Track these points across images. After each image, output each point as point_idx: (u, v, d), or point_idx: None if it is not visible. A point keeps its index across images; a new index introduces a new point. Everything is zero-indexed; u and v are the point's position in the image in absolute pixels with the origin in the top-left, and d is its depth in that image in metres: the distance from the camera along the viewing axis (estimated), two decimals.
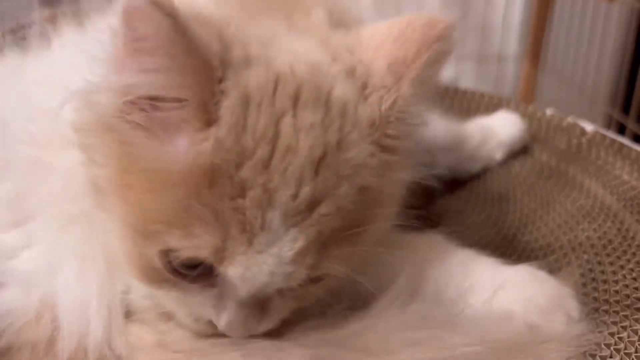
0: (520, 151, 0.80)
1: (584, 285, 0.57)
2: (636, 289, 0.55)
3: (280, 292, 0.41)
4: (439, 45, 0.40)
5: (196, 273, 0.39)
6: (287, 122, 0.37)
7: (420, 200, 0.49)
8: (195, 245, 0.37)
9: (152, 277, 0.41)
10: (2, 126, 0.48)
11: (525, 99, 1.20)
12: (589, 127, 0.81)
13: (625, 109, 1.13)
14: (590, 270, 0.59)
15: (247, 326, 0.41)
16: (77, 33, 0.53)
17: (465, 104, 0.94)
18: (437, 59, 0.41)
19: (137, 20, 0.34)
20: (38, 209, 0.46)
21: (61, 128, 0.46)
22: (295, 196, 0.36)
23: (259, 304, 0.41)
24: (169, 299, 0.43)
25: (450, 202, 0.72)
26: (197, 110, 0.36)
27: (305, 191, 0.37)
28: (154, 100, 0.37)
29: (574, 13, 1.21)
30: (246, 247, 0.37)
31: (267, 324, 0.42)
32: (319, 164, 0.37)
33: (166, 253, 0.38)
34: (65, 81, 0.48)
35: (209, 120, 0.36)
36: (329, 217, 0.37)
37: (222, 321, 0.40)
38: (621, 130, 1.12)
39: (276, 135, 0.37)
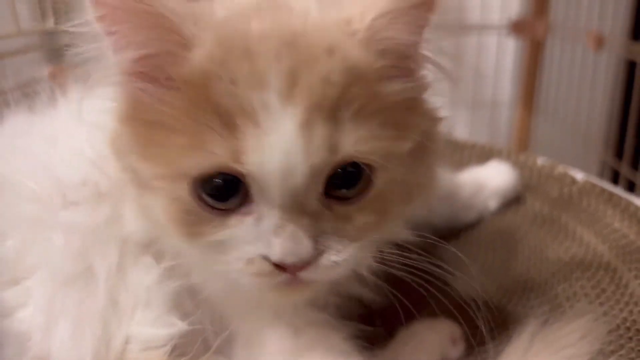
0: (513, 200, 0.81)
1: None
2: (630, 338, 0.55)
3: (326, 204, 0.40)
4: None
5: (229, 201, 0.40)
6: (255, 22, 0.40)
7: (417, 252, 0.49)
8: (210, 154, 0.38)
9: (193, 224, 0.41)
10: (8, 184, 0.50)
11: (520, 144, 1.22)
12: (579, 175, 0.83)
13: (619, 153, 1.14)
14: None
15: (298, 244, 0.39)
16: (83, 92, 0.56)
17: (457, 154, 0.96)
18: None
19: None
20: (36, 267, 0.47)
21: (62, 187, 0.49)
22: (280, 71, 0.38)
23: (305, 217, 0.39)
24: (216, 250, 0.41)
25: (446, 252, 0.73)
26: (177, 39, 0.39)
27: (285, 66, 0.38)
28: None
29: (563, 60, 1.25)
30: (253, 130, 0.37)
31: (323, 246, 0.40)
32: (291, 43, 0.39)
33: (194, 184, 0.40)
34: (69, 142, 0.51)
35: (186, 45, 0.39)
36: (316, 88, 0.38)
37: (275, 247, 0.39)
38: (615, 175, 1.14)
39: (247, 30, 0.40)
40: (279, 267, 0.40)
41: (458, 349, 0.55)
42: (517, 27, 1.25)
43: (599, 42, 1.09)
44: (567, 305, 0.62)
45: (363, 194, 0.41)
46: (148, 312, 0.48)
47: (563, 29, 1.20)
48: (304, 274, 0.40)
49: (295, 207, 0.39)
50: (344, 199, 0.41)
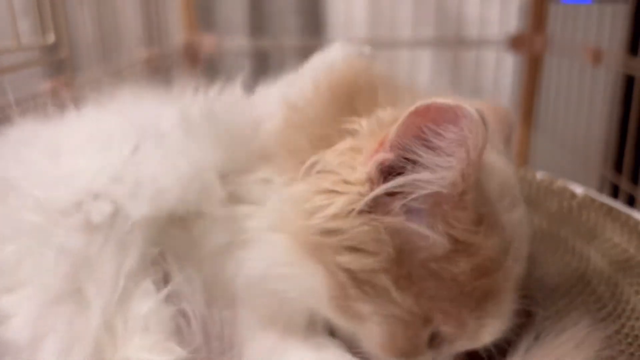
0: None
1: None
2: (632, 354, 0.55)
3: None
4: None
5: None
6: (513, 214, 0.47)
7: None
8: (462, 330, 0.45)
9: (408, 354, 0.46)
10: (13, 190, 0.49)
11: (519, 159, 1.22)
12: (578, 189, 0.83)
13: (619, 167, 1.15)
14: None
15: None
16: (96, 113, 0.56)
17: None
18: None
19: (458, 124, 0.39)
20: (30, 278, 0.47)
21: (56, 204, 0.48)
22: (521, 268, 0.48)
23: None
24: None
25: None
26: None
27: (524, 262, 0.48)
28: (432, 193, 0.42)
29: (562, 75, 1.25)
30: (496, 321, 0.46)
31: None
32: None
33: (431, 335, 0.46)
34: (73, 157, 0.50)
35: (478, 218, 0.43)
36: None
37: None
38: (615, 189, 1.14)
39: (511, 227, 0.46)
40: None
41: None
42: (516, 43, 1.26)
43: (597, 57, 1.10)
44: (569, 320, 0.61)
45: None
46: (146, 337, 0.47)
47: (561, 44, 1.21)
48: None
49: None
50: None
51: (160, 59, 1.19)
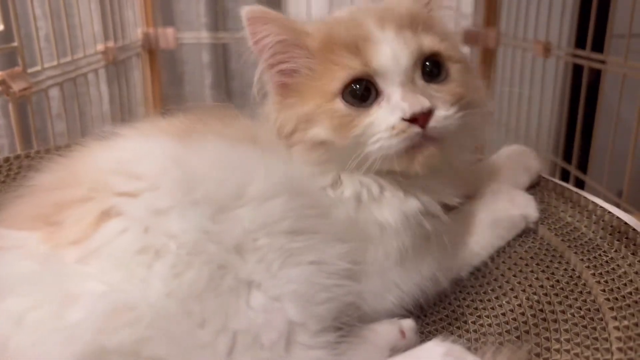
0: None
1: (535, 325, 0.59)
2: (584, 327, 0.57)
3: (427, 82, 0.59)
4: None
5: (368, 100, 0.58)
6: None
7: None
8: (348, 68, 0.58)
9: (348, 123, 0.58)
10: None
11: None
12: None
13: (568, 155, 1.19)
14: (541, 310, 0.61)
15: (418, 99, 0.56)
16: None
17: None
18: None
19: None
20: None
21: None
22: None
23: (417, 88, 0.58)
24: (366, 136, 0.57)
25: None
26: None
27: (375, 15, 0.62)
28: None
29: (515, 68, 1.29)
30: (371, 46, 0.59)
31: (434, 104, 0.57)
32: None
33: (342, 95, 0.58)
34: None
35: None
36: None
37: (405, 107, 0.56)
38: (565, 176, 1.18)
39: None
40: (412, 122, 0.56)
41: (408, 340, 0.58)
42: (469, 37, 1.29)
43: (547, 50, 1.14)
44: (524, 297, 0.63)
45: (447, 77, 0.60)
46: None
47: (513, 38, 1.25)
48: (430, 125, 0.56)
49: (409, 84, 0.58)
50: (437, 82, 0.60)
51: (118, 52, 1.17)
